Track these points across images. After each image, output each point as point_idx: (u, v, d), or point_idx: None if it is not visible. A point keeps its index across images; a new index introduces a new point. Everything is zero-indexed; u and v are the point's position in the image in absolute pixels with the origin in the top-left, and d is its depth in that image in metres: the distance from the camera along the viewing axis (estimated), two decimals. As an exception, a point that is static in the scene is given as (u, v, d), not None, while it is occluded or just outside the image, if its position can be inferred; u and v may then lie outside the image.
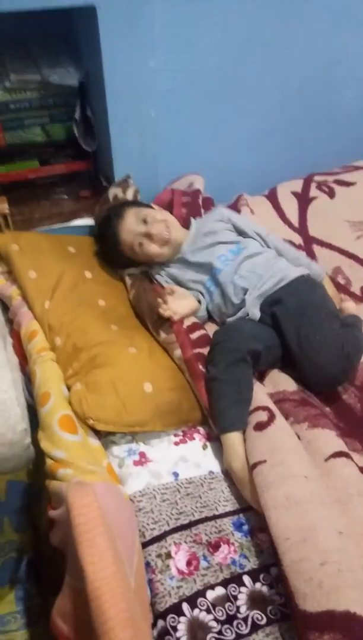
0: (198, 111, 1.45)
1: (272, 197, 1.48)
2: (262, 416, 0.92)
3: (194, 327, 1.07)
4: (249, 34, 1.36)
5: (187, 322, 1.09)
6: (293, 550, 0.72)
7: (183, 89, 1.38)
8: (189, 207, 1.33)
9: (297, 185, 1.51)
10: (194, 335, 1.06)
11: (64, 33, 1.38)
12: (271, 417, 0.91)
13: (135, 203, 1.29)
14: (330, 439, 0.89)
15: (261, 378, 1.06)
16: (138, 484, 0.88)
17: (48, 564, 1.13)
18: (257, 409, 0.94)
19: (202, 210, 1.34)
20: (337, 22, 1.44)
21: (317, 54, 1.48)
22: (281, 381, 1.02)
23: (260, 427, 0.90)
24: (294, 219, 1.44)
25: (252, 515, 0.85)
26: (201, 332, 1.07)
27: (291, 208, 1.45)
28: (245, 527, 0.84)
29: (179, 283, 1.21)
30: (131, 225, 1.19)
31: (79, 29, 1.30)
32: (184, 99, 1.40)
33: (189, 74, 1.36)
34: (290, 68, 1.48)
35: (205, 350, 1.03)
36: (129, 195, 1.33)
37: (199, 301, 1.16)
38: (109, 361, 0.99)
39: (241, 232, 1.24)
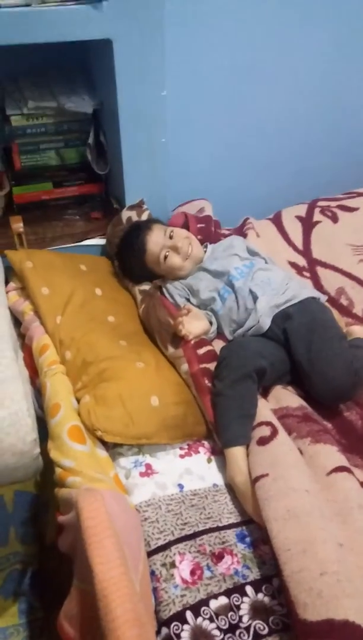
0: (205, 138, 1.52)
1: (277, 221, 1.53)
2: (265, 431, 0.94)
3: (201, 343, 1.11)
4: (255, 61, 1.43)
5: (196, 339, 1.12)
6: (293, 561, 0.73)
7: (191, 116, 1.45)
8: (204, 233, 1.39)
9: (301, 209, 1.55)
10: (201, 350, 1.09)
11: (80, 63, 1.45)
12: (274, 432, 0.94)
13: (160, 221, 1.37)
14: (331, 454, 0.91)
15: (265, 394, 1.08)
16: (144, 495, 0.90)
17: (52, 577, 1.13)
18: (260, 424, 0.96)
19: (213, 237, 1.40)
20: (342, 47, 1.51)
21: (323, 80, 1.55)
22: (284, 397, 1.05)
23: (263, 441, 0.92)
24: (298, 242, 1.48)
25: (255, 528, 0.87)
26: (208, 347, 1.10)
27: (295, 231, 1.50)
28: (248, 539, 0.86)
29: (194, 292, 1.25)
30: (158, 237, 1.27)
31: (95, 59, 1.37)
32: (192, 126, 1.47)
33: (198, 101, 1.43)
34: (295, 95, 1.55)
35: (211, 366, 1.06)
36: (144, 218, 1.39)
37: (210, 322, 1.20)
38: (117, 375, 1.02)
39: (254, 255, 1.30)
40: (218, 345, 1.14)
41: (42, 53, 1.36)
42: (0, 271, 1.26)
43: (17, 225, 1.28)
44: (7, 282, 1.27)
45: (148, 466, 0.95)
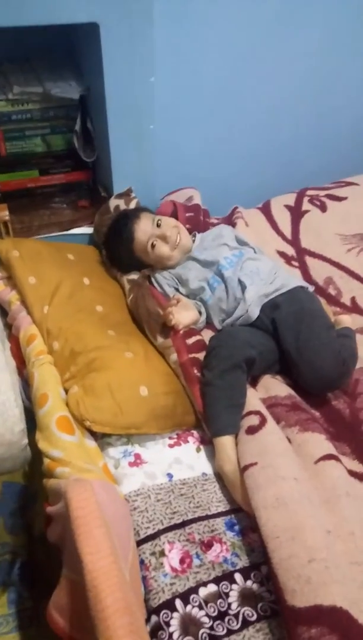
0: (195, 126, 1.50)
1: (266, 210, 1.53)
2: (254, 420, 0.95)
3: (190, 333, 1.11)
4: (245, 52, 1.42)
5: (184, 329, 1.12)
6: (282, 548, 0.74)
7: (181, 104, 1.43)
8: (193, 222, 1.37)
9: (290, 199, 1.55)
10: (190, 340, 1.08)
11: (66, 48, 1.42)
12: (263, 421, 0.94)
13: (148, 209, 1.35)
14: (319, 443, 0.92)
15: (254, 383, 1.08)
16: (133, 484, 0.90)
17: (41, 568, 1.13)
18: (249, 413, 0.97)
19: (202, 227, 1.39)
20: (332, 39, 1.50)
21: (312, 71, 1.54)
22: (273, 386, 1.05)
23: (252, 430, 0.93)
24: (287, 231, 1.48)
25: (243, 516, 0.88)
26: (197, 337, 1.10)
27: (284, 221, 1.50)
28: (237, 527, 0.87)
29: (183, 282, 1.24)
30: (146, 226, 1.25)
31: (82, 44, 1.35)
32: (181, 114, 1.45)
33: (187, 89, 1.42)
34: (284, 85, 1.54)
35: (200, 355, 1.06)
36: (132, 207, 1.37)
37: (199, 312, 1.19)
38: (106, 365, 1.02)
39: (243, 244, 1.29)
40: (207, 335, 1.14)
41: (28, 38, 1.33)
42: (-14, 260, 1.24)
43: (3, 213, 1.26)
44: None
45: (137, 456, 0.95)
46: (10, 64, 1.39)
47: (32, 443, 0.95)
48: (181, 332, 1.10)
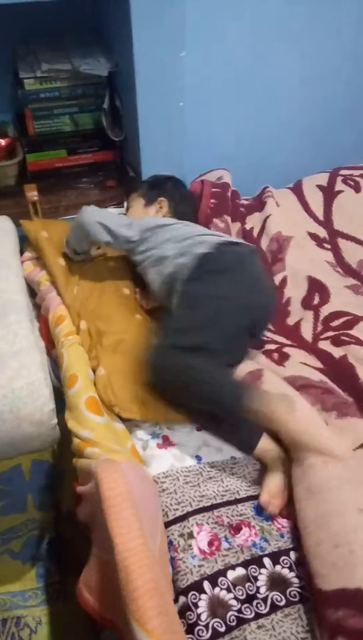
0: (225, 103, 1.46)
1: (297, 190, 1.49)
2: None
3: None
4: (277, 27, 1.36)
5: None
6: (310, 536, 0.76)
7: (210, 80, 1.39)
8: (218, 197, 1.34)
9: (323, 178, 1.50)
10: None
11: (95, 24, 1.39)
12: None
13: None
14: (359, 428, 0.90)
15: (282, 360, 1.05)
16: (162, 466, 0.90)
17: (68, 544, 1.16)
18: None
19: (229, 203, 1.35)
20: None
21: (346, 45, 1.48)
22: (304, 370, 1.03)
23: None
24: (319, 212, 1.44)
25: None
26: None
27: (316, 201, 1.45)
28: (266, 512, 0.86)
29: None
30: None
31: (110, 19, 1.32)
32: (211, 91, 1.41)
33: (217, 65, 1.37)
34: (317, 61, 1.47)
35: None
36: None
37: None
38: (132, 350, 1.01)
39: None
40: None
41: (56, 14, 1.30)
42: (15, 241, 1.24)
43: (32, 193, 1.26)
44: (21, 252, 1.26)
45: (165, 438, 0.95)
46: (39, 41, 1.37)
47: (60, 422, 0.96)
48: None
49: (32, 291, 1.22)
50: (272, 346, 1.10)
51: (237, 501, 0.87)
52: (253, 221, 1.43)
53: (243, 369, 1.00)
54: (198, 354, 0.90)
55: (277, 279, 1.28)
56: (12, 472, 1.16)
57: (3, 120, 1.50)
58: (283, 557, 0.80)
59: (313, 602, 0.74)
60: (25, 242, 1.28)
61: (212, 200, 1.33)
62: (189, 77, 1.28)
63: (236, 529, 0.83)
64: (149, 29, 1.16)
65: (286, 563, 0.79)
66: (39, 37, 1.38)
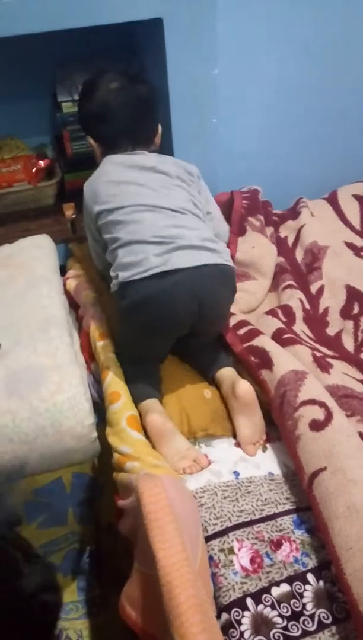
0: (256, 118, 1.46)
1: (333, 200, 1.47)
2: (318, 413, 0.89)
3: (241, 324, 1.09)
4: (308, 41, 1.36)
5: (233, 321, 1.11)
6: (355, 558, 0.71)
7: (242, 96, 1.40)
8: (249, 200, 1.36)
9: (359, 188, 1.49)
10: (242, 331, 1.07)
11: (128, 46, 1.43)
12: (329, 416, 0.88)
13: None
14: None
15: (325, 367, 1.02)
16: (199, 481, 0.89)
17: (108, 557, 1.16)
18: (312, 402, 0.90)
19: (260, 205, 1.37)
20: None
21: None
22: (348, 380, 1.01)
23: (317, 427, 0.87)
24: (356, 221, 1.42)
25: (311, 514, 0.85)
26: (248, 327, 1.08)
27: (352, 210, 1.44)
28: (305, 525, 0.84)
29: None
30: None
31: (144, 41, 1.35)
32: (243, 106, 1.42)
33: (249, 81, 1.38)
34: (347, 75, 1.47)
35: (255, 342, 1.04)
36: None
37: None
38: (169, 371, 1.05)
39: None
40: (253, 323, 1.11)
41: (92, 38, 1.35)
42: (55, 258, 1.28)
43: (70, 212, 1.30)
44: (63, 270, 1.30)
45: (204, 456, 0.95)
46: (76, 65, 1.42)
47: (100, 437, 0.98)
48: (230, 324, 1.09)
49: (76, 306, 1.26)
50: (317, 353, 1.07)
51: (276, 515, 0.86)
52: (287, 230, 1.43)
53: (288, 366, 0.97)
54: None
55: (314, 288, 1.27)
56: (54, 485, 1.18)
57: (42, 143, 1.55)
58: (324, 571, 0.78)
59: (354, 626, 0.71)
60: (67, 258, 1.32)
61: (244, 202, 1.33)
62: (222, 93, 1.30)
63: (277, 545, 0.82)
64: (182, 49, 1.18)
65: (328, 577, 0.77)
66: (76, 61, 1.43)
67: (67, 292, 1.26)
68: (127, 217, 0.97)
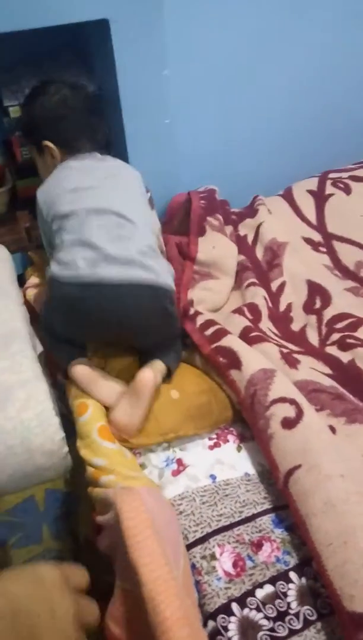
0: (210, 117, 1.46)
1: (288, 196, 1.49)
2: (289, 411, 0.89)
3: (208, 324, 1.08)
4: (258, 37, 1.37)
5: (200, 321, 1.09)
6: (336, 554, 0.72)
7: (195, 95, 1.40)
8: (206, 199, 1.36)
9: (312, 183, 1.51)
10: (209, 331, 1.06)
11: (76, 48, 1.40)
12: (300, 412, 0.89)
13: None
14: (368, 435, 0.89)
15: (293, 364, 1.03)
16: (177, 488, 0.89)
17: (88, 572, 1.14)
18: (283, 400, 0.91)
19: (218, 204, 1.36)
20: (347, 13, 1.44)
21: (327, 49, 1.49)
22: (315, 374, 1.02)
23: (289, 424, 0.88)
24: (312, 216, 1.44)
25: (289, 513, 0.85)
26: (216, 327, 1.07)
27: (308, 206, 1.46)
28: (284, 524, 0.85)
29: None
30: None
31: (91, 42, 1.32)
32: (196, 105, 1.42)
33: (201, 80, 1.38)
34: (300, 70, 1.48)
35: (222, 343, 1.02)
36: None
37: None
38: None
39: None
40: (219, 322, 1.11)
41: (38, 40, 1.31)
42: (11, 269, 1.24)
43: (25, 220, 1.26)
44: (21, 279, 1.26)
45: (179, 462, 0.94)
46: (22, 68, 1.38)
47: (70, 449, 0.95)
48: (196, 324, 1.08)
49: (36, 318, 1.22)
50: (284, 350, 1.08)
51: (255, 516, 0.86)
52: (246, 228, 1.43)
53: (257, 365, 0.96)
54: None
55: (275, 284, 1.28)
56: (26, 503, 1.15)
57: (-11, 149, 1.50)
58: (306, 567, 0.79)
59: (338, 621, 0.71)
60: (27, 267, 1.29)
61: (202, 202, 1.33)
62: (174, 93, 1.29)
63: (257, 546, 0.82)
64: (130, 50, 1.17)
65: (310, 574, 0.78)
66: (22, 65, 1.38)
67: (26, 302, 1.22)
68: (76, 221, 0.97)
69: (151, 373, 0.94)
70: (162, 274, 0.97)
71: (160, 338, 1.01)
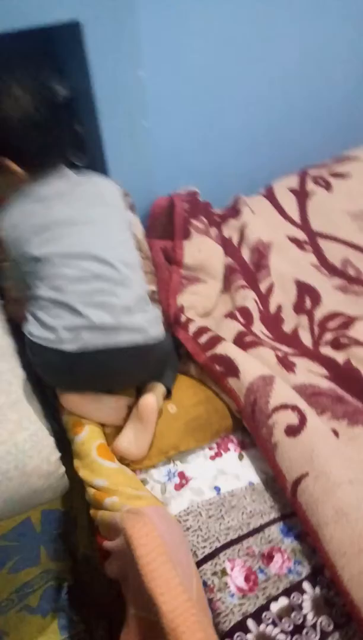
0: (186, 117, 1.44)
1: (270, 196, 1.48)
2: (292, 418, 0.89)
3: (201, 332, 1.06)
4: (231, 35, 1.35)
5: (192, 328, 1.07)
6: (351, 563, 0.71)
7: (171, 95, 1.37)
8: (190, 202, 1.33)
9: (293, 181, 1.50)
10: (203, 339, 1.04)
11: (44, 50, 1.35)
12: (303, 419, 0.89)
13: None
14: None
15: (290, 367, 1.02)
16: (182, 503, 0.87)
17: (88, 590, 1.11)
18: (285, 407, 0.90)
19: (202, 207, 1.35)
20: (319, 16, 1.44)
21: (298, 44, 1.48)
22: (313, 377, 1.01)
23: (293, 432, 0.87)
24: (295, 215, 1.43)
25: (297, 521, 0.84)
26: (209, 334, 1.05)
27: (290, 205, 1.45)
28: (293, 532, 0.84)
29: None
30: None
31: (61, 45, 1.28)
32: (173, 105, 1.39)
33: (176, 79, 1.35)
34: (273, 65, 1.47)
35: (217, 350, 1.01)
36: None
37: None
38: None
39: None
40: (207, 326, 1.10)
41: (5, 44, 1.26)
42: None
43: None
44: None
45: (181, 475, 0.92)
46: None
47: (65, 467, 0.92)
48: (189, 332, 1.06)
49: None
50: (279, 353, 1.07)
51: (263, 527, 0.85)
52: (230, 230, 1.41)
53: (255, 372, 0.95)
54: None
55: (264, 285, 1.27)
56: (22, 526, 1.11)
57: None
58: (319, 577, 0.78)
59: (358, 630, 0.71)
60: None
61: (186, 204, 1.31)
62: (150, 94, 1.26)
63: (268, 558, 0.80)
64: (104, 52, 1.13)
65: (323, 582, 0.77)
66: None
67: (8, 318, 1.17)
68: (50, 269, 0.87)
69: (153, 398, 0.92)
70: (150, 328, 0.90)
71: (155, 372, 0.99)
